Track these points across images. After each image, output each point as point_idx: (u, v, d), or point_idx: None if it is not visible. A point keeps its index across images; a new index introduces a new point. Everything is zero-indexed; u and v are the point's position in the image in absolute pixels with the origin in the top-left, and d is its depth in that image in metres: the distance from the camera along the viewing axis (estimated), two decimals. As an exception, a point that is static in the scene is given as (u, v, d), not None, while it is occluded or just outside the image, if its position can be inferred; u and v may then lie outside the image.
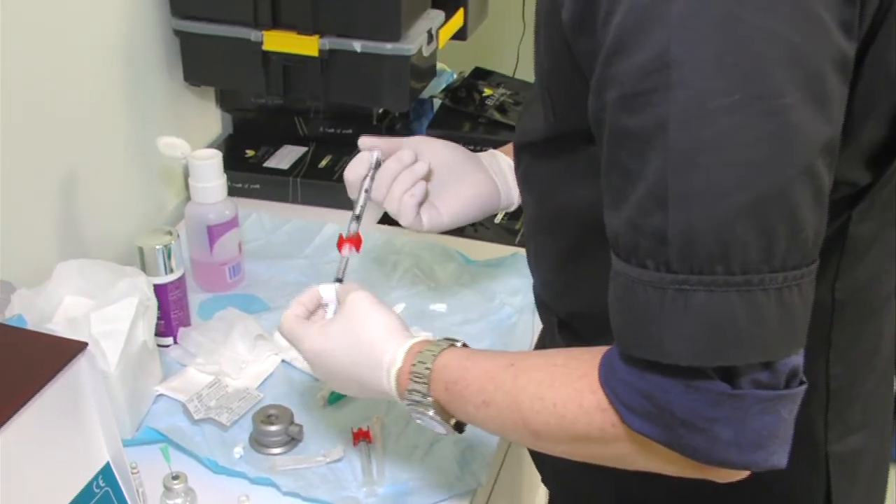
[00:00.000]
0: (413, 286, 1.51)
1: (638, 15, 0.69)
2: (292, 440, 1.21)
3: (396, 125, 1.81)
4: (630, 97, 0.71)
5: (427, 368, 0.93)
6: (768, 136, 0.68)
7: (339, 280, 1.09)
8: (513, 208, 1.22)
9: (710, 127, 0.68)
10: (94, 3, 1.44)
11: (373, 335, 0.98)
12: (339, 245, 1.14)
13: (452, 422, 0.96)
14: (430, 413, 0.94)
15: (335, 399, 1.28)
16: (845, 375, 0.94)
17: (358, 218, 1.14)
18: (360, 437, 1.21)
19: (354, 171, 1.16)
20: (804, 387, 0.75)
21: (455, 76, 2.01)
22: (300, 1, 1.52)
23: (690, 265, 0.70)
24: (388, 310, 1.01)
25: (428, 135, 1.76)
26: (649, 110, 0.70)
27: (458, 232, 1.61)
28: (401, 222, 1.15)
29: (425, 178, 1.14)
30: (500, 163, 1.21)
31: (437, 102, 1.91)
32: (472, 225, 1.64)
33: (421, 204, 1.14)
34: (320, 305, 1.08)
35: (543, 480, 1.21)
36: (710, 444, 0.74)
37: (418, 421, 0.97)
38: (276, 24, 1.56)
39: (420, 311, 1.45)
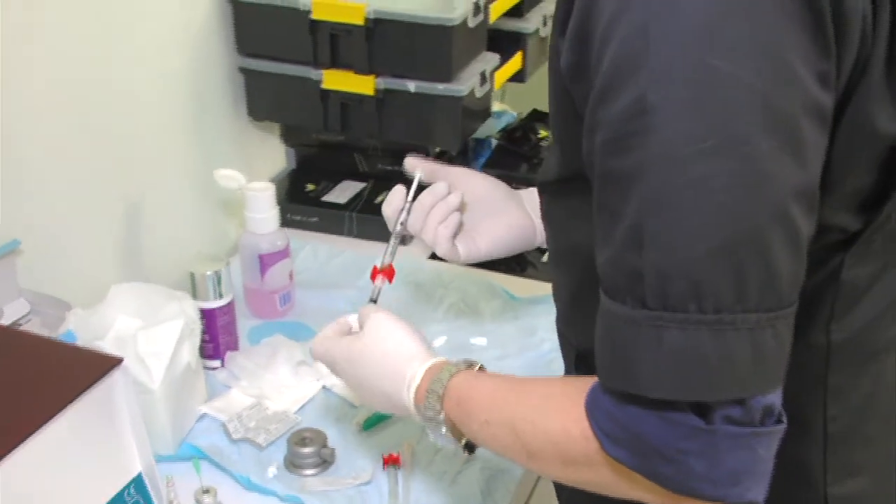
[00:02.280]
0: (456, 319, 1.55)
1: (621, 63, 0.73)
2: (324, 462, 1.26)
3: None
4: (614, 141, 0.74)
5: (442, 386, 0.98)
6: (739, 182, 0.71)
7: (374, 301, 1.14)
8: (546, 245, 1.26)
9: (684, 171, 0.71)
10: (164, 39, 1.52)
11: (399, 350, 1.03)
12: (373, 276, 1.18)
13: (463, 441, 0.99)
14: (443, 430, 0.98)
15: (370, 425, 1.32)
16: (844, 417, 0.94)
17: (392, 251, 1.19)
18: (390, 462, 1.25)
19: (391, 205, 1.20)
20: (782, 426, 0.77)
21: (515, 117, 2.05)
22: (357, 42, 1.59)
23: (664, 303, 0.73)
24: (413, 330, 1.06)
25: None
26: (629, 154, 0.73)
27: (506, 269, 1.65)
28: (437, 252, 1.19)
29: (459, 210, 1.19)
30: (537, 199, 1.25)
31: (494, 142, 1.96)
32: (520, 264, 1.68)
33: (455, 235, 1.19)
34: (351, 332, 1.13)
35: (560, 505, 1.23)
36: (683, 475, 0.76)
37: (432, 437, 1.01)
38: (335, 63, 1.63)
39: (460, 345, 1.49)
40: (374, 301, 1.15)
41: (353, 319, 1.13)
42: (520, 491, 1.27)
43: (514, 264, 1.68)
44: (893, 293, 0.93)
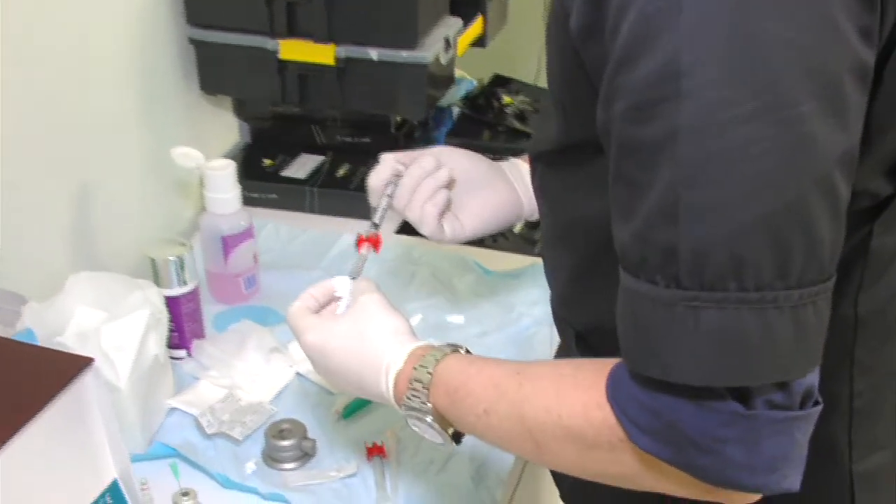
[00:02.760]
0: (430, 297, 1.48)
1: (646, 24, 0.67)
2: (305, 455, 1.19)
3: (415, 133, 1.79)
4: (638, 108, 0.69)
5: (428, 373, 0.91)
6: (782, 148, 0.66)
7: (354, 279, 1.06)
8: (535, 218, 1.20)
9: (722, 138, 0.66)
10: (108, 12, 1.43)
11: (377, 336, 0.97)
12: (359, 244, 1.11)
13: (451, 431, 0.93)
14: (428, 420, 0.92)
15: (350, 413, 1.26)
16: (869, 392, 0.91)
17: (377, 224, 1.12)
18: (375, 453, 1.19)
19: (378, 177, 1.14)
20: (819, 407, 0.73)
21: (475, 84, 1.98)
22: (316, 9, 1.51)
23: (701, 281, 0.68)
24: (398, 313, 0.99)
25: (447, 144, 1.74)
26: (658, 121, 0.67)
27: (477, 242, 1.58)
28: (422, 231, 1.13)
29: (448, 187, 1.13)
30: (522, 171, 1.19)
31: (456, 111, 1.89)
32: (492, 235, 1.62)
33: (443, 213, 1.13)
34: (332, 299, 1.06)
35: (562, 496, 1.18)
36: (720, 465, 0.71)
37: (415, 428, 0.94)
38: (292, 32, 1.55)
39: (437, 323, 1.43)
40: (357, 276, 1.07)
41: (338, 284, 1.06)
42: (511, 479, 1.22)
43: (486, 236, 1.62)
44: None
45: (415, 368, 0.92)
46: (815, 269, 0.69)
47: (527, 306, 1.46)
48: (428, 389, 0.91)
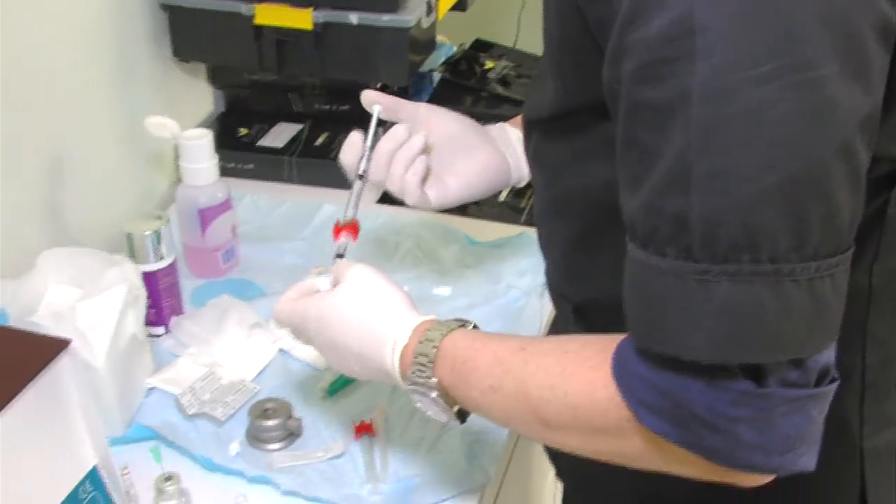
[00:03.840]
0: (415, 268, 1.44)
1: None
2: (291, 435, 1.15)
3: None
4: (649, 67, 0.65)
5: (434, 347, 0.88)
6: (801, 111, 0.62)
7: (341, 255, 1.03)
8: (523, 183, 1.17)
9: (737, 101, 0.62)
10: (77, -23, 1.38)
11: (380, 310, 0.93)
12: (336, 233, 1.08)
13: (455, 408, 0.90)
14: (433, 395, 0.88)
15: (334, 390, 1.22)
16: (882, 365, 0.88)
17: (354, 205, 1.08)
18: (362, 431, 1.15)
19: (347, 156, 1.10)
20: (836, 384, 0.70)
21: (455, 49, 1.94)
22: (292, -29, 1.46)
23: (714, 253, 0.64)
24: (397, 285, 0.96)
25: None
26: (670, 82, 0.64)
27: (461, 211, 1.55)
28: (406, 202, 1.09)
29: (425, 152, 1.08)
30: (510, 136, 1.16)
31: (436, 76, 1.84)
32: (476, 203, 1.58)
33: (424, 180, 1.09)
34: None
35: (558, 474, 1.15)
36: (731, 445, 0.68)
37: (418, 405, 0.91)
38: (268, -4, 1.49)
39: (423, 296, 1.38)
40: (343, 255, 1.03)
41: (319, 281, 1.02)
42: (504, 456, 1.19)
43: (471, 204, 1.58)
44: None
45: (420, 342, 0.89)
46: (833, 240, 0.66)
47: (515, 277, 1.42)
48: (433, 364, 0.88)
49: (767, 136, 0.63)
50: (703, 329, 0.66)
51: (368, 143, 1.10)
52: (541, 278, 1.38)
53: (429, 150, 1.10)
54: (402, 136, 1.08)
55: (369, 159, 1.09)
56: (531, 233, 1.47)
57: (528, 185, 1.46)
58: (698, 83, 0.63)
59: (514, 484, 1.37)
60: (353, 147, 1.10)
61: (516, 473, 1.37)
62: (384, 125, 1.12)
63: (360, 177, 1.09)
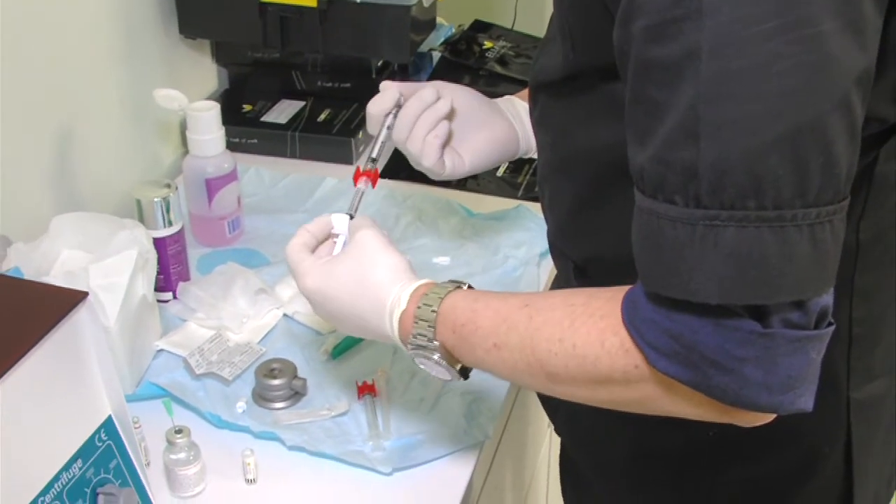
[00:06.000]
0: (416, 239, 1.48)
1: None
2: (296, 394, 1.19)
3: (395, 79, 1.77)
4: (659, 26, 0.68)
5: (433, 311, 0.91)
6: (804, 66, 0.66)
7: (351, 216, 1.05)
8: (530, 154, 1.20)
9: (744, 55, 0.66)
10: (87, -47, 1.41)
11: (378, 276, 0.96)
12: (356, 178, 1.10)
13: (458, 367, 0.93)
14: (436, 357, 0.91)
15: (339, 353, 1.25)
16: (868, 320, 0.91)
17: (375, 158, 1.11)
18: (365, 391, 1.19)
19: (378, 106, 1.12)
20: (832, 327, 0.73)
21: (454, 30, 1.97)
22: (297, -51, 1.49)
23: (721, 200, 0.68)
24: (396, 251, 0.99)
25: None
26: (680, 39, 0.67)
27: (460, 185, 1.59)
28: (423, 164, 1.12)
29: (448, 119, 1.12)
30: (518, 108, 1.19)
31: (436, 56, 1.88)
32: (474, 177, 1.62)
33: (444, 146, 1.12)
34: (330, 236, 1.05)
35: (556, 430, 1.19)
36: (739, 384, 0.72)
37: (422, 366, 0.94)
38: (273, -27, 1.53)
39: (423, 265, 1.42)
40: (354, 214, 1.06)
41: (336, 220, 1.04)
42: (502, 415, 1.22)
43: (469, 178, 1.62)
44: None
45: (418, 307, 0.92)
46: (832, 188, 0.69)
47: (512, 248, 1.46)
48: (434, 327, 0.91)
49: (772, 90, 0.66)
50: (712, 272, 0.69)
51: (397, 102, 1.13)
52: (537, 249, 1.43)
53: (452, 116, 1.13)
54: (429, 99, 1.11)
55: (396, 116, 1.11)
56: (528, 206, 1.51)
57: (526, 161, 1.50)
58: (706, 39, 0.66)
59: (512, 441, 1.41)
60: (387, 95, 1.12)
61: (515, 431, 1.41)
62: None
63: (388, 129, 1.11)
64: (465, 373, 0.94)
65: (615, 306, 0.78)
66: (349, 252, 0.99)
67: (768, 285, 0.69)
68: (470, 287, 0.95)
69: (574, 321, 0.81)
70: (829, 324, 0.73)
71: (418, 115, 1.09)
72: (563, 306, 0.83)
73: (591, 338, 0.79)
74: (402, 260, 0.98)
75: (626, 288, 0.78)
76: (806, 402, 0.73)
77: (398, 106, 1.11)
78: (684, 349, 0.73)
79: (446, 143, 1.12)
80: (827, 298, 0.72)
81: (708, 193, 0.68)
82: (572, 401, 0.86)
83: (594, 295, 0.82)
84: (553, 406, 1.15)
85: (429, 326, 0.91)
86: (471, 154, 1.14)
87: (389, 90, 1.12)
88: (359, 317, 0.97)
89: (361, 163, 1.11)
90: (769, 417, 0.76)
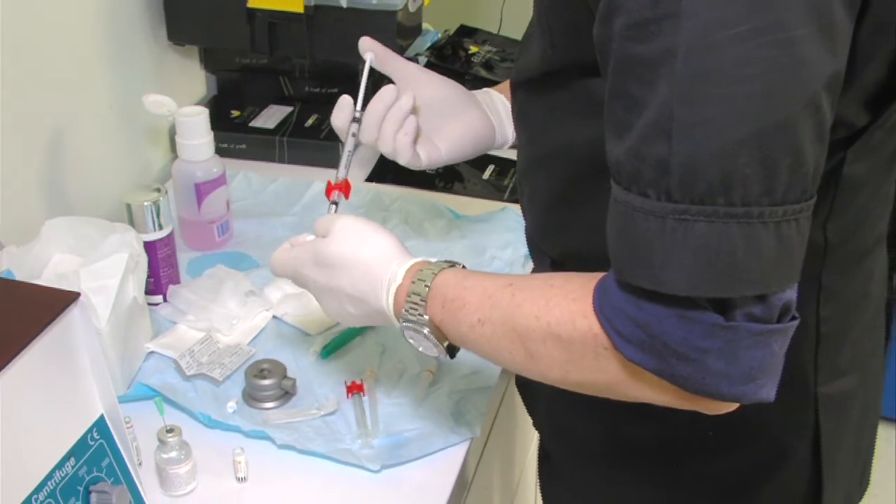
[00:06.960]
0: (403, 242, 1.49)
1: None
2: (286, 394, 1.21)
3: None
4: (638, 25, 0.70)
5: (426, 286, 0.93)
6: (775, 69, 0.68)
7: None
8: (506, 146, 1.22)
9: (717, 57, 0.68)
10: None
11: (375, 252, 0.98)
12: (328, 192, 1.13)
13: (445, 344, 0.95)
14: (425, 331, 0.93)
15: (328, 353, 1.27)
16: (835, 318, 0.94)
17: (346, 164, 1.13)
18: (354, 390, 1.20)
19: (338, 118, 1.15)
20: (796, 322, 0.75)
21: (440, 35, 1.99)
22: (284, -44, 1.51)
23: (691, 195, 0.70)
24: (386, 231, 1.01)
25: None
26: (658, 38, 0.69)
27: (447, 188, 1.61)
28: (398, 161, 1.14)
29: (413, 112, 1.14)
30: (494, 100, 1.21)
31: (422, 61, 1.90)
32: (461, 180, 1.64)
33: (415, 140, 1.14)
34: None
35: (535, 424, 1.20)
36: (700, 374, 0.74)
37: (410, 341, 0.96)
38: (261, -21, 1.55)
39: (410, 267, 1.44)
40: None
41: (310, 237, 1.07)
42: (489, 414, 1.24)
43: (456, 182, 1.64)
44: (882, 189, 0.92)
45: (413, 282, 0.94)
46: (799, 187, 0.71)
47: (498, 249, 1.48)
48: (426, 302, 0.93)
49: (744, 91, 0.69)
50: (681, 264, 0.71)
51: (362, 87, 1.14)
52: (523, 250, 1.45)
53: (417, 111, 1.15)
54: (390, 98, 1.12)
55: (360, 122, 1.13)
56: (514, 208, 1.53)
57: (511, 164, 1.52)
58: (682, 40, 0.69)
59: (499, 439, 1.43)
60: (343, 110, 1.14)
61: (502, 429, 1.43)
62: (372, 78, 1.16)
63: (353, 136, 1.13)
64: (451, 351, 0.96)
65: (587, 291, 0.80)
66: (341, 231, 1.00)
67: (734, 279, 0.71)
68: (464, 267, 0.97)
69: (549, 300, 0.83)
70: (793, 318, 0.75)
71: (382, 115, 1.11)
72: (543, 287, 0.85)
73: (564, 318, 0.81)
74: (394, 239, 1.00)
75: (600, 274, 0.80)
76: (768, 392, 0.75)
77: (361, 107, 1.13)
78: (650, 338, 0.75)
79: (418, 135, 1.13)
80: (790, 293, 0.74)
81: (679, 188, 0.70)
82: (547, 384, 0.87)
83: (571, 278, 0.85)
84: (533, 398, 1.17)
85: (421, 301, 0.93)
86: (447, 143, 1.16)
87: (344, 105, 1.14)
88: (356, 292, 0.98)
89: (332, 176, 1.12)
90: (733, 406, 0.78)
